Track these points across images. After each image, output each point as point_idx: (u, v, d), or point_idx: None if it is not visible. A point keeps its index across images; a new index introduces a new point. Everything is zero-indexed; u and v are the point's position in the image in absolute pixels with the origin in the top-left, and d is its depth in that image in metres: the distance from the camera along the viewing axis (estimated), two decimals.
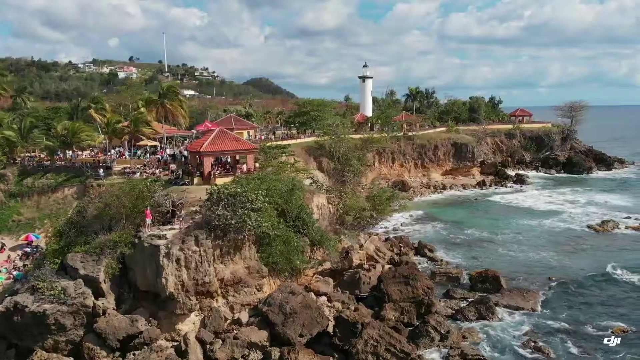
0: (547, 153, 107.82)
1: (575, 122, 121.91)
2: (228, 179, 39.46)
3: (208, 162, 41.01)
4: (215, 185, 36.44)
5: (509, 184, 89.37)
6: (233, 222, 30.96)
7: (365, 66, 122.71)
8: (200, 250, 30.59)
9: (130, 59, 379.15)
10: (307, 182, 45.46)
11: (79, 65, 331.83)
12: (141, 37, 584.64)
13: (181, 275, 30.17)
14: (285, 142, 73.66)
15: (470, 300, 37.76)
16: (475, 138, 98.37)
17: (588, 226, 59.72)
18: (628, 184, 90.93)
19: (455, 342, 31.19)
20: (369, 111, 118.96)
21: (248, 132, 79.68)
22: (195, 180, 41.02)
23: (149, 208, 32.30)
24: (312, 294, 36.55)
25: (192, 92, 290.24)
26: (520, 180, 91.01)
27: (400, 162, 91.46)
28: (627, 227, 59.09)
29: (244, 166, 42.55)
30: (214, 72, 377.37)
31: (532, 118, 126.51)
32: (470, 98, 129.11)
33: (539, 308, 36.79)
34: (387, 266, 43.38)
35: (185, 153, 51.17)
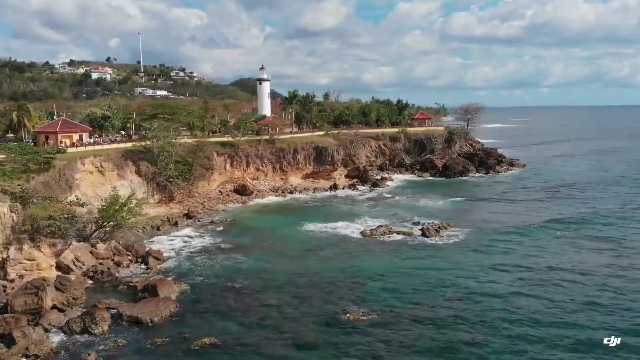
0: (426, 156, 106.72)
1: (471, 124, 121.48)
2: None
3: None
4: None
5: (362, 188, 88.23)
6: None
7: (262, 68, 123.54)
8: None
9: (108, 59, 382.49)
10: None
11: (55, 66, 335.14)
12: (143, 37, 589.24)
13: None
14: (98, 147, 73.66)
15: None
16: (340, 142, 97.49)
17: (362, 232, 58.81)
18: (480, 188, 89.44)
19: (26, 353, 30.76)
20: (267, 113, 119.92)
21: (80, 135, 79.87)
22: None
23: None
24: None
25: (164, 93, 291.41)
26: (375, 184, 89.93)
27: (257, 165, 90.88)
28: (398, 233, 58.09)
29: None
30: (191, 73, 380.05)
31: (432, 121, 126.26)
32: (364, 102, 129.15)
33: (158, 320, 35.84)
34: (74, 277, 43.04)
35: None
